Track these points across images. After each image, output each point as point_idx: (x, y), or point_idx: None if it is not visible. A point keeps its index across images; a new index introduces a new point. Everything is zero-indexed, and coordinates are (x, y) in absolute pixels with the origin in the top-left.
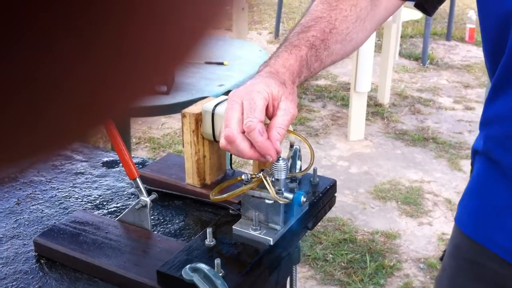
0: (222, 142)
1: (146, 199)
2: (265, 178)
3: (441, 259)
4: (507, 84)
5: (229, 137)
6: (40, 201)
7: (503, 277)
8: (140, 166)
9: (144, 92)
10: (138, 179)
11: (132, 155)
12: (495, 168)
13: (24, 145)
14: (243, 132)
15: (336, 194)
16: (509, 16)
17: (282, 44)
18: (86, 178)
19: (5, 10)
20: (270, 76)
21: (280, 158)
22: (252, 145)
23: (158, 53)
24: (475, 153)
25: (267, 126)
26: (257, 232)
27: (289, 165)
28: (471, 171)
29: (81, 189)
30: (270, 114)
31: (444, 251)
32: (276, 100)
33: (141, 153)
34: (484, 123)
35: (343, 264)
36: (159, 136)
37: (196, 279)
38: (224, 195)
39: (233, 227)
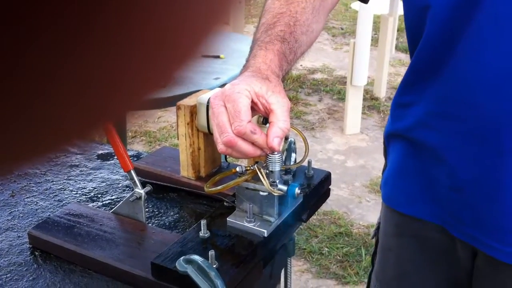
0: (222, 148)
1: (140, 191)
2: (259, 170)
3: (373, 236)
4: (427, 68)
5: (230, 142)
6: (34, 194)
7: (445, 244)
8: (135, 159)
9: (146, 91)
10: (132, 171)
11: (128, 149)
12: (418, 147)
13: (24, 145)
14: None
15: (332, 188)
16: (426, 9)
17: (253, 46)
18: (81, 171)
19: (5, 11)
20: (252, 75)
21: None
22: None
23: (161, 52)
24: (391, 136)
25: (269, 123)
26: (252, 224)
27: (283, 157)
28: (386, 155)
29: (75, 181)
30: (262, 111)
31: (377, 229)
32: (262, 96)
33: (137, 146)
34: (402, 106)
35: (338, 257)
36: (155, 130)
37: (190, 270)
38: (218, 187)
39: (227, 219)
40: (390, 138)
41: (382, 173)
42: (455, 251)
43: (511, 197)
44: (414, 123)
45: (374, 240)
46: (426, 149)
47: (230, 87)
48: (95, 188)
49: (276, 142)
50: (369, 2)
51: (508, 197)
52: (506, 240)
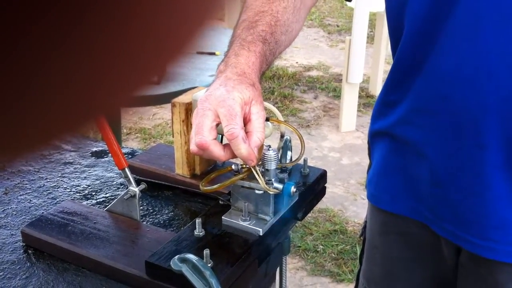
0: (194, 148)
1: (135, 189)
2: (254, 168)
3: (361, 235)
4: (408, 65)
5: (202, 145)
6: (28, 191)
7: (430, 241)
8: (130, 156)
9: (139, 85)
10: (127, 169)
11: (123, 146)
12: (400, 144)
13: (15, 142)
14: (215, 139)
15: (327, 185)
16: (405, 4)
17: (234, 41)
18: (75, 168)
19: (3, 10)
20: (240, 80)
21: (270, 149)
22: (224, 147)
23: (153, 46)
24: (374, 135)
25: (246, 133)
26: (247, 222)
27: (279, 155)
28: (370, 154)
29: (69, 179)
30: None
31: (364, 228)
32: (247, 104)
33: (131, 143)
34: (387, 104)
35: (333, 255)
36: (150, 127)
37: (185, 269)
38: (214, 186)
39: (222, 217)
40: (374, 137)
41: (367, 172)
42: (440, 248)
43: (491, 191)
44: (396, 120)
45: (361, 239)
46: (408, 146)
47: (226, 93)
48: (89, 185)
49: (255, 151)
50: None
51: (488, 191)
52: (486, 235)
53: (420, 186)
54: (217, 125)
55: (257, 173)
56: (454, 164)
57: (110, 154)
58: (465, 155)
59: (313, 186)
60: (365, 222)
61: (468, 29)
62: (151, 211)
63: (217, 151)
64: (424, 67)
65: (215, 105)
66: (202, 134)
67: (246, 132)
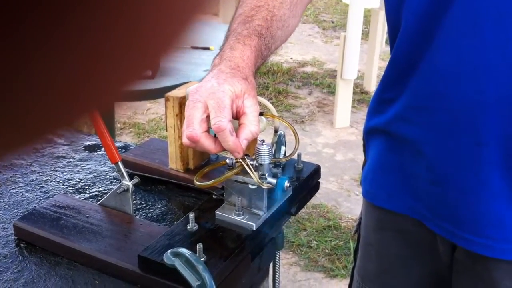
0: (186, 141)
1: (128, 183)
2: (245, 162)
3: (355, 232)
4: (405, 62)
5: (193, 138)
6: (20, 185)
7: (426, 238)
8: (123, 150)
9: (131, 79)
10: (120, 163)
11: (116, 140)
12: (397, 142)
13: (7, 136)
14: (207, 131)
15: (321, 181)
16: (403, 0)
17: (229, 35)
18: (68, 162)
19: None
20: (232, 73)
21: (264, 143)
22: (215, 140)
23: (146, 40)
24: (370, 132)
25: (240, 125)
26: (240, 217)
27: (273, 150)
28: (365, 151)
29: (62, 172)
30: (234, 113)
31: (358, 224)
32: (239, 98)
33: (125, 138)
34: (383, 102)
35: (327, 250)
36: (144, 122)
37: (178, 264)
38: (209, 182)
39: (216, 212)
40: (369, 134)
41: (362, 169)
42: (436, 246)
43: (488, 189)
44: (393, 117)
45: (356, 235)
46: (405, 143)
47: (217, 85)
48: (82, 179)
49: (244, 144)
50: None
51: (485, 189)
52: (482, 233)
53: (417, 184)
54: (209, 117)
55: (248, 167)
56: (452, 162)
57: (103, 148)
58: (463, 153)
59: (307, 181)
60: (360, 218)
61: (466, 25)
62: (144, 205)
63: (208, 144)
64: (422, 64)
65: (205, 97)
66: (193, 127)
67: (240, 125)
